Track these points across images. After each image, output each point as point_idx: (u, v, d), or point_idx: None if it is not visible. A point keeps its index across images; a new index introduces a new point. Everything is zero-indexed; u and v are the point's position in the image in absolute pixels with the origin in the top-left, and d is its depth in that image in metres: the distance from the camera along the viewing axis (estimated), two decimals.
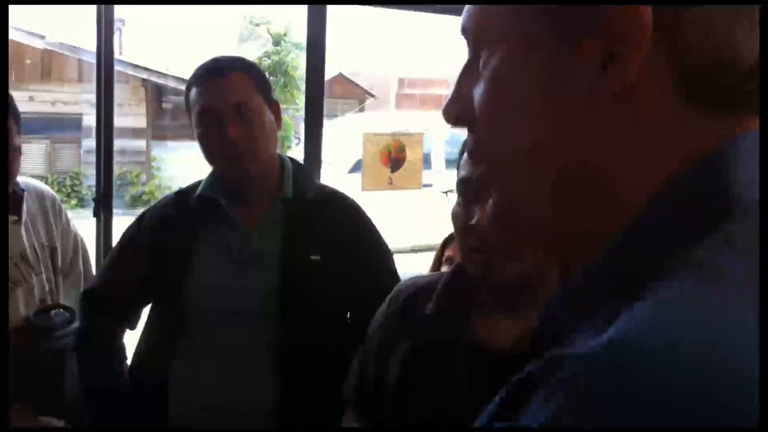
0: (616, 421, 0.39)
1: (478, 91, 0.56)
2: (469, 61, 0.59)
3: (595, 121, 0.51)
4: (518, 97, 0.54)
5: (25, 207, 1.97)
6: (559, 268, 1.25)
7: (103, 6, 2.81)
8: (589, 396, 0.40)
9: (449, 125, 0.62)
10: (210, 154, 1.80)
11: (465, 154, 1.26)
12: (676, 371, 0.40)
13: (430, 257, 2.55)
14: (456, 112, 0.60)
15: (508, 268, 1.19)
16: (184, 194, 1.92)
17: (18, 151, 1.87)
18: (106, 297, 1.92)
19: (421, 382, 1.26)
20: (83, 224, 2.33)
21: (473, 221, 1.18)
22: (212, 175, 1.88)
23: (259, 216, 1.84)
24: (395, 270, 1.92)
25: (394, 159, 3.46)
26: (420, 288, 1.35)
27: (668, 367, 0.40)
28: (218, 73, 1.77)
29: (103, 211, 2.82)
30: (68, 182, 15.50)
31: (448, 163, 9.45)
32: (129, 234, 1.95)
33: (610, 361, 0.41)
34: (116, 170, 2.93)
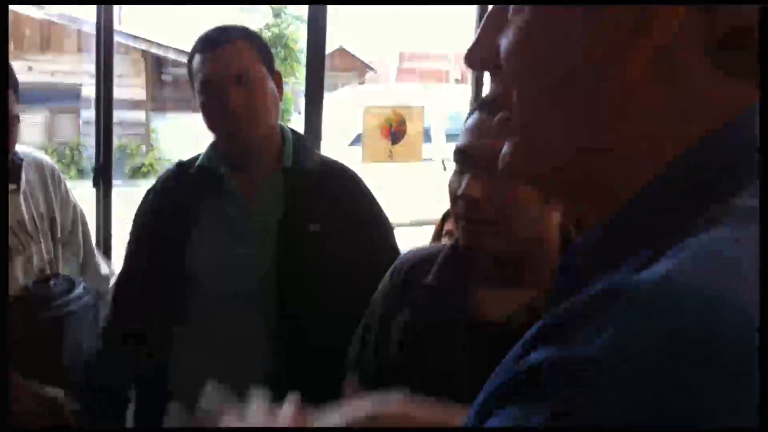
0: (674, 349, 0.39)
1: (505, 39, 0.56)
2: (496, 7, 0.59)
3: (627, 78, 0.51)
4: (550, 50, 0.54)
5: (24, 176, 1.96)
6: (557, 238, 1.26)
7: None
8: (648, 323, 0.41)
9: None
10: (212, 123, 1.79)
11: (465, 124, 1.27)
12: (733, 310, 0.40)
13: (430, 231, 2.55)
14: (480, 56, 0.60)
15: (493, 239, 1.21)
16: (184, 166, 1.92)
17: (16, 119, 1.86)
18: (131, 295, 1.92)
19: (420, 353, 1.26)
20: (82, 195, 2.32)
21: (460, 191, 1.20)
22: (212, 146, 1.88)
23: (258, 186, 1.83)
24: (395, 243, 1.92)
25: (394, 132, 3.45)
26: (421, 260, 1.36)
27: (725, 304, 0.40)
28: (220, 42, 1.77)
29: (102, 181, 2.81)
30: (67, 153, 15.47)
31: (449, 137, 9.44)
32: (138, 219, 1.96)
33: (671, 292, 0.42)
34: (115, 142, 2.93)
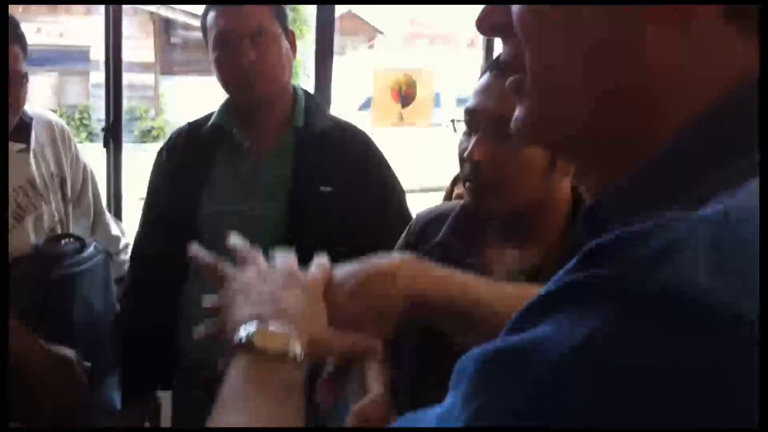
0: (730, 281, 0.39)
1: (518, 3, 0.56)
2: None
3: (642, 37, 0.50)
4: (564, 14, 0.53)
5: (33, 135, 1.96)
6: (567, 199, 1.27)
7: None
8: (709, 255, 0.41)
9: (481, 33, 0.61)
10: (226, 78, 1.79)
11: (476, 86, 1.27)
12: None
13: (439, 198, 2.55)
14: (492, 22, 0.59)
15: (498, 200, 1.25)
16: (195, 125, 1.92)
17: (25, 77, 1.86)
18: (151, 253, 1.93)
19: None
20: (92, 157, 2.32)
21: (466, 153, 1.22)
22: (225, 105, 1.89)
23: (270, 145, 1.83)
24: (406, 204, 1.92)
25: (404, 95, 3.43)
26: (434, 218, 1.39)
27: None
28: None
29: (113, 141, 2.81)
30: (77, 116, 15.47)
31: (459, 102, 9.40)
32: (153, 177, 1.97)
33: (732, 222, 0.42)
34: (124, 104, 2.92)
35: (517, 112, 0.58)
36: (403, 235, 1.45)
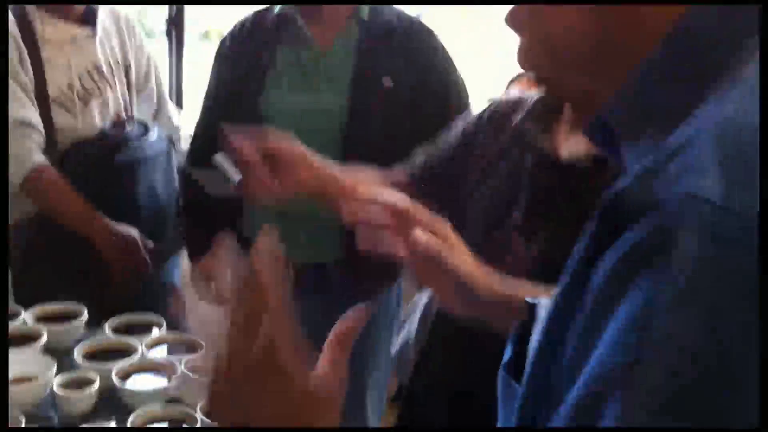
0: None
1: None
2: None
3: None
4: None
5: (99, 23, 1.99)
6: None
7: None
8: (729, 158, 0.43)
9: None
10: None
11: None
12: None
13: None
14: None
15: (562, 88, 1.24)
16: (259, 14, 1.90)
17: None
18: (211, 138, 1.94)
19: (491, 180, 1.33)
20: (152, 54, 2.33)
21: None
22: None
23: (333, 36, 1.82)
24: (468, 102, 1.90)
25: None
26: (509, 103, 1.41)
27: None
28: None
29: (175, 33, 2.84)
30: (134, 14, 15.48)
31: None
32: (216, 62, 1.96)
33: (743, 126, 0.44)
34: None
35: (519, 45, 0.60)
36: (475, 117, 1.45)
